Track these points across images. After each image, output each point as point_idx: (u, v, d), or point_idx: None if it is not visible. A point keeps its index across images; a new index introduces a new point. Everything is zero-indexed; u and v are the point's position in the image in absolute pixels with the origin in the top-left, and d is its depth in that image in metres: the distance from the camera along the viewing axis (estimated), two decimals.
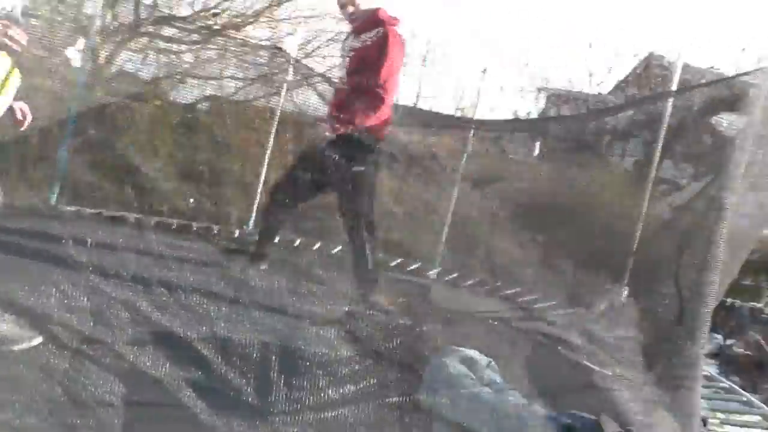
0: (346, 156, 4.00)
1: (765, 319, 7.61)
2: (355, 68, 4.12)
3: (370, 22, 4.16)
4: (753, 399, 4.81)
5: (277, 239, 4.88)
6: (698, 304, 3.25)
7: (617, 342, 4.54)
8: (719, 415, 4.37)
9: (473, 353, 3.17)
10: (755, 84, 3.41)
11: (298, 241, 6.35)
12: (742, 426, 4.36)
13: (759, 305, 8.07)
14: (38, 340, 2.76)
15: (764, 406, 4.73)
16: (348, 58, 4.20)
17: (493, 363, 3.19)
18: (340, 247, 6.06)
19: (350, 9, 4.17)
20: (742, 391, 5.02)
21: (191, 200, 6.92)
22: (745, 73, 3.88)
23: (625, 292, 5.34)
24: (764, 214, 3.73)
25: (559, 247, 5.85)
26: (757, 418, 4.49)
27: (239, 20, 9.01)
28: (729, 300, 7.81)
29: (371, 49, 4.08)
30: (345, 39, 4.37)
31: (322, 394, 2.95)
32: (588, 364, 3.86)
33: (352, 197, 4.09)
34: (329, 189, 4.28)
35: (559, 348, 4.27)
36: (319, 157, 4.08)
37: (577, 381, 3.95)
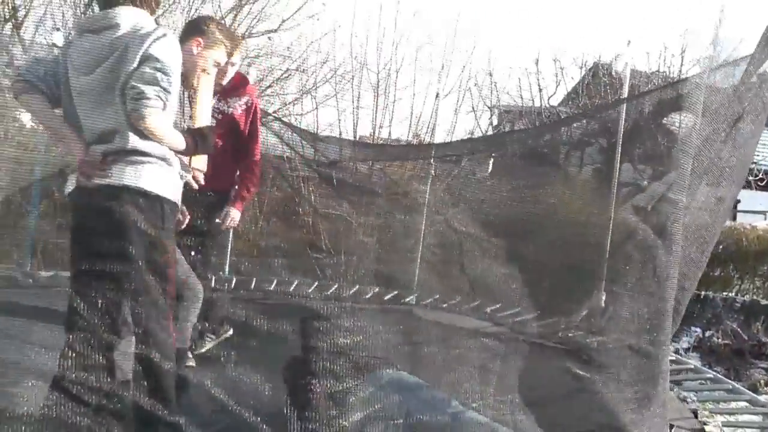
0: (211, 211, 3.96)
1: (738, 308, 7.76)
2: (223, 132, 3.91)
3: (238, 89, 4.13)
4: (738, 386, 4.94)
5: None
6: (660, 298, 3.36)
7: (601, 345, 4.63)
8: (708, 405, 4.48)
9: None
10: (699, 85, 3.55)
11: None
12: (730, 414, 4.47)
13: (731, 295, 8.24)
14: None
15: (748, 392, 4.85)
16: (214, 120, 3.94)
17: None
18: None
19: (230, 69, 3.95)
20: (727, 380, 5.14)
21: None
22: (689, 78, 4.03)
23: (604, 297, 5.42)
24: (725, 208, 3.87)
25: (534, 261, 5.94)
26: (743, 404, 4.61)
27: None
28: (702, 292, 7.98)
29: (242, 117, 4.11)
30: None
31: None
32: (576, 371, 3.92)
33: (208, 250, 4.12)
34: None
35: (549, 359, 4.31)
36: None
37: (568, 388, 3.99)
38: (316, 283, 6.77)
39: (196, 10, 8.88)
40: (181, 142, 2.74)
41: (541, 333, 5.31)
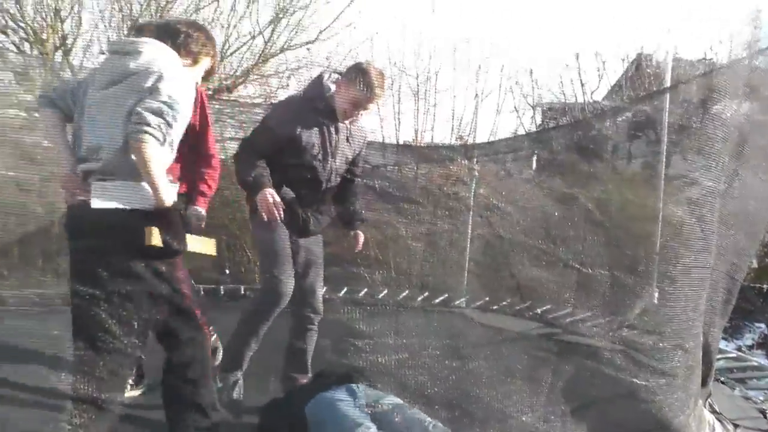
0: None
1: None
2: None
3: None
4: None
5: None
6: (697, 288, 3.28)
7: (654, 345, 4.51)
8: None
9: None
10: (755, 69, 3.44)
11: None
12: None
13: None
14: None
15: None
16: None
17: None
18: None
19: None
20: None
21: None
22: (738, 60, 3.91)
23: (656, 294, 5.30)
24: None
25: (584, 259, 5.86)
26: None
27: (229, 82, 9.21)
28: (765, 286, 7.71)
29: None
30: None
31: None
32: (625, 377, 3.82)
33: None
34: None
35: (596, 363, 4.22)
36: None
37: (616, 392, 3.89)
38: (365, 290, 6.78)
39: (234, 26, 9.04)
40: (165, 187, 2.69)
41: (593, 333, 5.22)
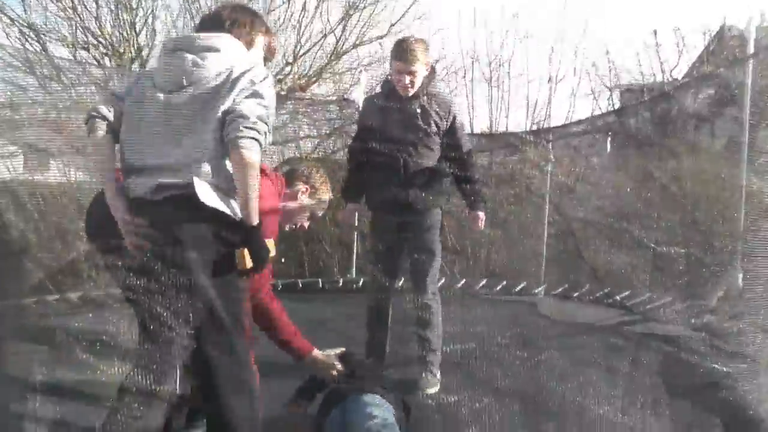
0: None
1: None
2: None
3: None
4: None
5: None
6: None
7: (740, 331, 4.38)
8: None
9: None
10: None
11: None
12: None
13: None
14: None
15: None
16: None
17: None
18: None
19: None
20: None
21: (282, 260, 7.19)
22: None
23: (741, 276, 5.12)
24: None
25: (664, 241, 5.72)
26: None
27: (303, 81, 9.36)
28: None
29: None
30: None
31: None
32: (706, 364, 3.71)
33: None
34: None
35: (676, 350, 4.11)
36: None
37: (697, 380, 3.78)
38: (443, 280, 6.80)
39: (305, 26, 9.18)
40: (256, 201, 2.36)
41: (674, 319, 5.09)
